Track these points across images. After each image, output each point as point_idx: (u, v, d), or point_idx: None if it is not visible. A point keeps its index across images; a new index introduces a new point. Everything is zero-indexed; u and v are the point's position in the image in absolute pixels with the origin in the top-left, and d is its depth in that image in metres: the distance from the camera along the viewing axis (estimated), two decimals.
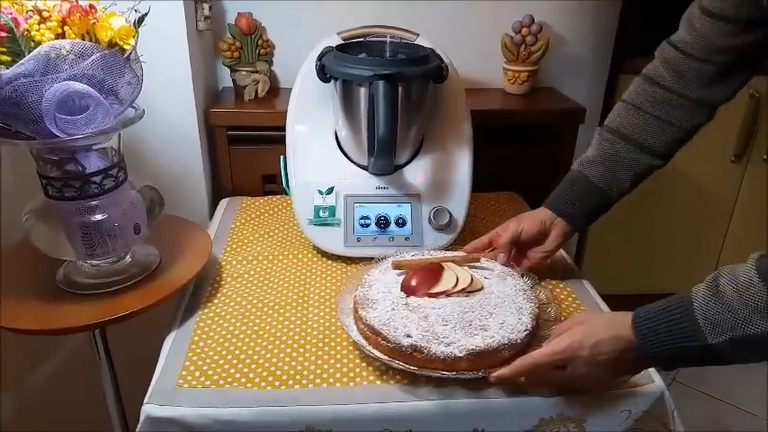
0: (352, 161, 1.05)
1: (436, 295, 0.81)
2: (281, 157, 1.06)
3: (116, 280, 0.88)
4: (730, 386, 1.66)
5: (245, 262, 1.03)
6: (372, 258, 0.96)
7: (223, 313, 0.90)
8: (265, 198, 1.25)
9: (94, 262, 0.89)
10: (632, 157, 0.90)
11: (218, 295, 0.94)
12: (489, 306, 0.80)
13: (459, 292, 0.82)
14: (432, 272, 0.84)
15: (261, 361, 0.80)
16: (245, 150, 1.26)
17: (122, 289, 0.87)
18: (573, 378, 0.72)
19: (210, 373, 0.79)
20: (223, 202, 1.24)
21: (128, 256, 0.92)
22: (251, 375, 0.78)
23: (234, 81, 1.30)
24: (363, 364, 0.79)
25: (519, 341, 0.76)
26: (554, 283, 0.98)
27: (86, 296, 0.86)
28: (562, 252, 1.06)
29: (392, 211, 1.03)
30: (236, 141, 1.25)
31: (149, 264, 0.92)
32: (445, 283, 0.83)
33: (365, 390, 0.76)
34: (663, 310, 0.66)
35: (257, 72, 1.27)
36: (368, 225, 1.02)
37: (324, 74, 0.98)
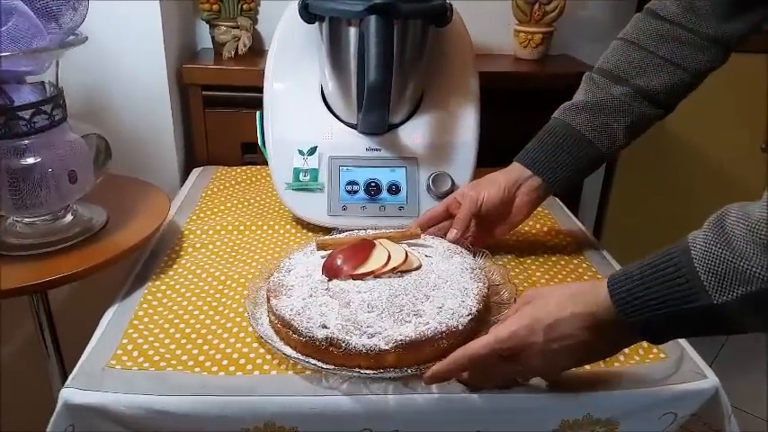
0: (338, 119, 0.90)
1: (362, 276, 0.67)
2: (257, 113, 0.91)
3: (54, 240, 0.74)
4: (730, 386, 1.52)
5: (211, 232, 0.88)
6: (361, 231, 0.82)
7: (177, 286, 0.75)
8: (244, 168, 1.10)
9: (28, 219, 0.75)
10: (627, 103, 0.75)
11: (175, 266, 0.80)
12: (426, 287, 0.66)
13: (391, 271, 0.67)
14: (359, 250, 0.70)
15: (216, 341, 0.66)
16: (222, 114, 1.11)
17: (61, 250, 0.73)
18: (527, 372, 0.58)
19: (151, 353, 0.64)
20: (195, 171, 1.10)
21: (68, 215, 0.77)
22: (201, 358, 0.63)
23: (213, 38, 1.16)
24: None
25: (460, 328, 0.61)
26: (567, 258, 0.83)
27: (20, 258, 0.72)
28: (576, 222, 0.91)
29: (384, 176, 0.88)
30: (212, 103, 1.11)
31: (93, 224, 0.77)
32: (374, 261, 0.68)
33: (342, 379, 0.61)
34: (648, 267, 0.50)
35: (238, 28, 1.14)
36: (356, 192, 0.87)
37: (308, 13, 0.84)
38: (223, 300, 0.73)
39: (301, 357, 0.61)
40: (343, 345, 0.60)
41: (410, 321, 0.62)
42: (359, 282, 0.66)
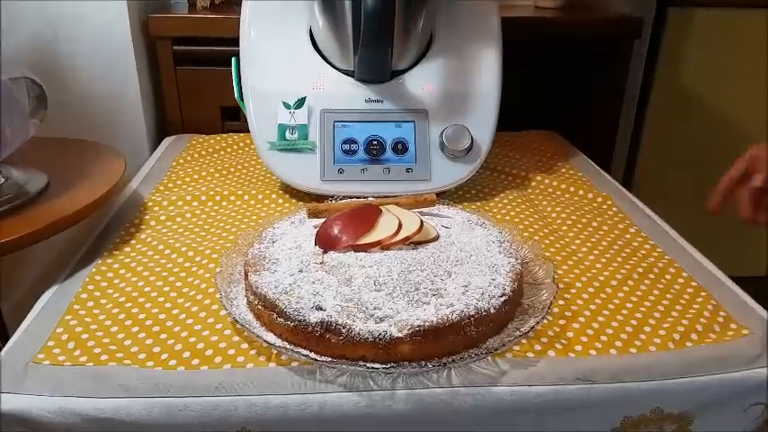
0: (331, 64, 0.75)
1: (366, 248, 0.52)
2: (233, 58, 0.76)
3: None
4: None
5: (180, 203, 0.73)
6: (362, 198, 0.68)
7: (134, 264, 0.60)
8: (224, 135, 0.95)
9: None
10: None
11: (133, 242, 0.65)
12: (447, 263, 0.52)
13: (402, 241, 0.53)
14: (362, 216, 0.55)
15: (177, 329, 0.51)
16: (196, 73, 0.96)
17: None
18: None
19: (91, 343, 0.49)
20: (167, 140, 0.95)
21: None
22: (156, 349, 0.48)
23: None
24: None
25: (492, 311, 0.47)
26: (611, 224, 0.68)
27: None
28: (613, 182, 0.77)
29: (388, 133, 0.73)
30: (184, 60, 0.95)
31: (28, 189, 0.63)
32: (382, 230, 0.54)
33: (339, 372, 0.46)
34: None
35: None
36: (354, 152, 0.72)
37: None
38: (189, 279, 0.58)
39: (288, 346, 0.47)
40: (344, 331, 0.45)
41: (429, 303, 0.48)
42: (362, 254, 0.52)
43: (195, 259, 0.61)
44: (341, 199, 0.66)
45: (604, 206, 0.73)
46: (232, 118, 0.99)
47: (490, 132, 0.74)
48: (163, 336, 0.50)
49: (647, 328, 0.51)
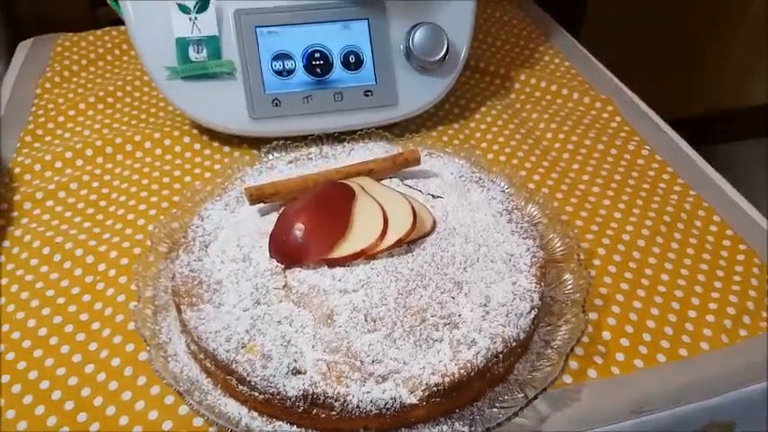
0: None
1: (345, 261, 0.38)
2: None
3: None
4: None
5: (58, 164, 0.54)
6: (308, 138, 0.51)
7: (24, 295, 0.44)
8: (98, 33, 0.70)
9: None
10: None
11: (6, 245, 0.47)
12: (454, 266, 0.39)
13: (394, 246, 0.39)
14: (331, 207, 0.40)
15: (98, 401, 0.37)
16: None
17: None
18: None
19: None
20: (23, 46, 0.69)
21: None
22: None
23: None
24: None
25: (522, 337, 0.36)
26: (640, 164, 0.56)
27: None
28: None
29: (334, 39, 0.54)
30: None
31: None
32: (361, 227, 0.39)
33: None
34: None
35: None
36: (290, 72, 0.53)
37: None
38: (97, 306, 0.43)
39: (260, 426, 0.35)
40: (337, 404, 0.33)
41: (442, 340, 0.35)
42: (340, 270, 0.38)
43: (98, 268, 0.45)
44: (283, 145, 0.50)
45: (605, 114, 0.60)
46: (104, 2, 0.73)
47: (468, 30, 0.56)
48: (81, 416, 0.36)
49: (692, 313, 0.42)
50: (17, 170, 0.53)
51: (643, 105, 0.61)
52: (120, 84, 0.62)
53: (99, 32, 0.70)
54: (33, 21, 0.73)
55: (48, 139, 0.57)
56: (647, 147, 0.56)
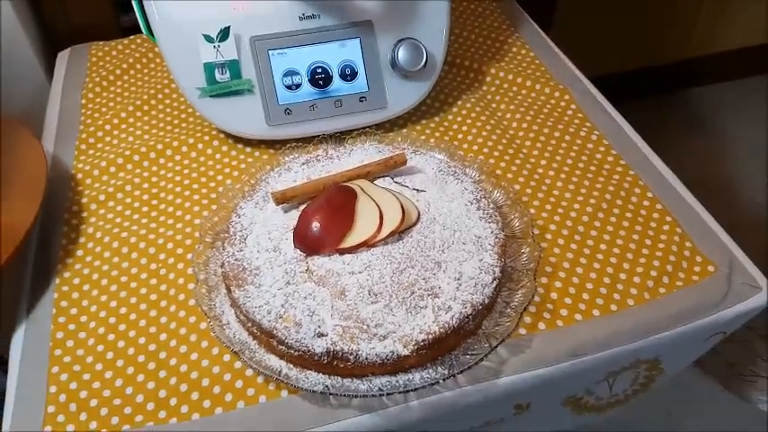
0: None
1: (352, 250, 0.50)
2: None
3: None
4: None
5: (112, 169, 0.65)
6: (315, 138, 0.62)
7: (95, 276, 0.56)
8: (125, 42, 0.80)
9: None
10: None
11: (82, 240, 0.59)
12: (434, 250, 0.51)
13: (388, 237, 0.51)
14: (340, 207, 0.52)
15: (173, 362, 0.50)
16: None
17: None
18: None
19: (94, 403, 0.48)
20: (62, 57, 0.79)
21: None
22: (161, 394, 0.48)
23: None
24: None
25: (487, 301, 0.49)
26: (589, 150, 0.66)
27: None
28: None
29: (332, 56, 0.64)
30: None
31: None
32: (363, 223, 0.51)
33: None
34: None
35: None
36: (298, 85, 0.64)
37: None
38: (162, 287, 0.55)
39: (299, 376, 0.48)
40: (352, 357, 0.46)
41: (426, 306, 0.48)
42: (348, 257, 0.50)
43: (159, 257, 0.57)
44: (293, 146, 0.61)
45: (562, 103, 0.70)
46: (125, 9, 0.82)
47: (443, 42, 0.66)
48: (162, 373, 0.49)
49: (623, 275, 0.54)
50: (79, 176, 0.64)
51: (597, 93, 0.72)
52: (152, 92, 0.73)
53: (126, 41, 0.80)
54: (64, 30, 0.82)
55: (99, 146, 0.68)
56: (597, 132, 0.67)
